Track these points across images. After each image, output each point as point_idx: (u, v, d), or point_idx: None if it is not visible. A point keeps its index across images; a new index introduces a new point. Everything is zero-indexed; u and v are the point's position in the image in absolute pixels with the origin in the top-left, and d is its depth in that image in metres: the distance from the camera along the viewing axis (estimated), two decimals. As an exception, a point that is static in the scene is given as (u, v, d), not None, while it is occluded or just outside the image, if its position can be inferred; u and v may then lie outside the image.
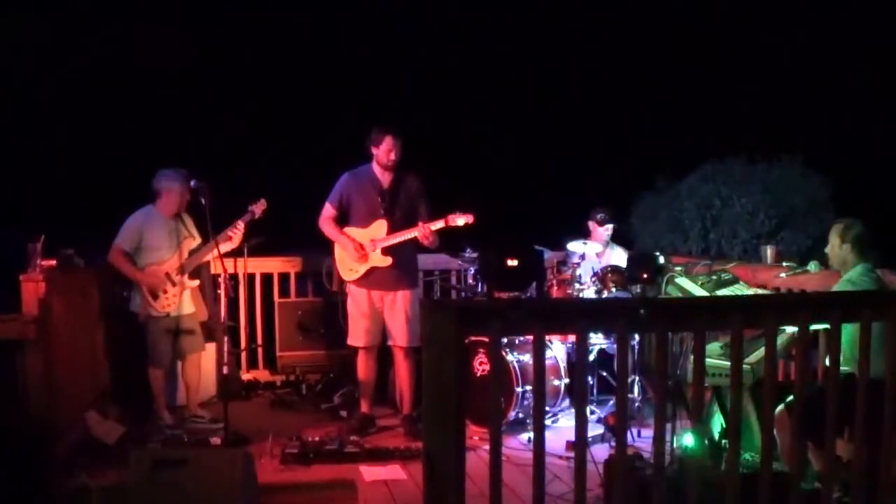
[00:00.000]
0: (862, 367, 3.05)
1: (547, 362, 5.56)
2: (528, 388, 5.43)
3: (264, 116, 10.94)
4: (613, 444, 4.95)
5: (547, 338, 5.06)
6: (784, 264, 5.59)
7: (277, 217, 5.91)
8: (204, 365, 5.99)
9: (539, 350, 2.82)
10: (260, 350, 7.01)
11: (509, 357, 5.49)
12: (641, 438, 5.24)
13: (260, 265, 6.94)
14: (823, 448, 3.15)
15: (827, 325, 3.12)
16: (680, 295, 4.57)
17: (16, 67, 9.00)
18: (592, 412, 5.50)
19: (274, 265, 7.01)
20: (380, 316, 5.57)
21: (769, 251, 6.21)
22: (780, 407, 3.89)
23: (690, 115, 10.46)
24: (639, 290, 5.70)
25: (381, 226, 5.47)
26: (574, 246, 6.14)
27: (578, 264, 6.00)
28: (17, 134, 8.86)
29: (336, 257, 5.66)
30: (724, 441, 4.00)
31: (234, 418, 5.28)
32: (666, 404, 2.96)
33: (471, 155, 10.87)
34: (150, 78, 10.23)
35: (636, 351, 5.80)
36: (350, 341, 5.68)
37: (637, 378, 5.78)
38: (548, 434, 2.96)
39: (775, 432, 3.66)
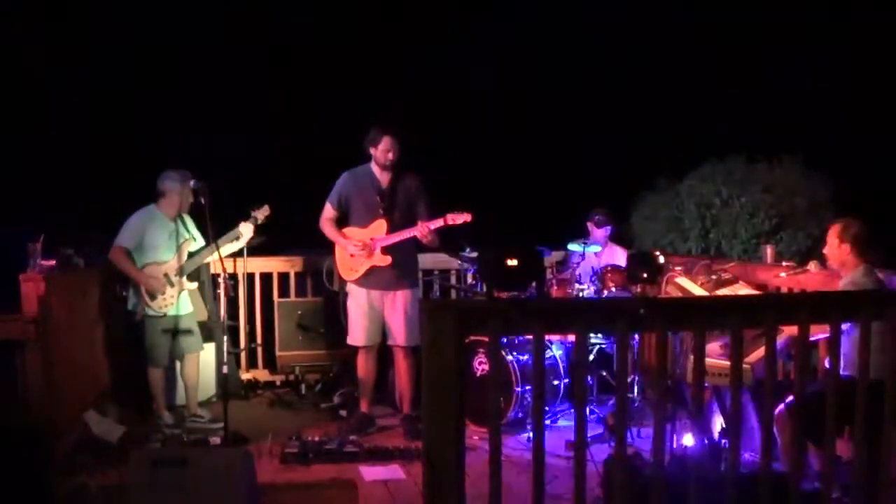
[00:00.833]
0: (862, 368, 3.05)
1: (546, 362, 5.56)
2: (528, 387, 5.42)
3: (264, 116, 10.93)
4: (613, 444, 4.95)
5: (547, 338, 5.05)
6: (784, 264, 5.59)
7: (277, 217, 5.91)
8: (203, 365, 5.99)
9: (539, 350, 2.82)
10: (259, 350, 7.01)
11: (509, 357, 5.49)
12: (641, 438, 5.24)
13: (260, 265, 6.94)
14: (823, 448, 3.15)
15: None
16: (680, 294, 4.57)
17: (16, 67, 9.00)
18: (592, 412, 5.49)
19: (274, 265, 7.01)
20: (379, 315, 5.57)
21: (769, 251, 6.21)
22: (780, 407, 3.90)
23: (690, 115, 10.46)
24: (639, 290, 5.70)
25: (380, 225, 5.48)
26: (574, 246, 6.14)
27: (578, 264, 6.00)
28: (17, 134, 8.86)
29: (336, 257, 5.67)
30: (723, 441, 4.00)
31: (234, 418, 5.28)
32: (666, 404, 2.96)
33: (471, 155, 10.86)
34: (151, 78, 10.23)
35: (636, 351, 5.79)
36: (350, 340, 5.69)
37: (637, 378, 5.78)
38: (548, 434, 2.96)
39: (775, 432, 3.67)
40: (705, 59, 10.73)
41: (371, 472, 4.75)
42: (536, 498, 2.76)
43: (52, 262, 5.10)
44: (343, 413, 5.99)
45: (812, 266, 5.04)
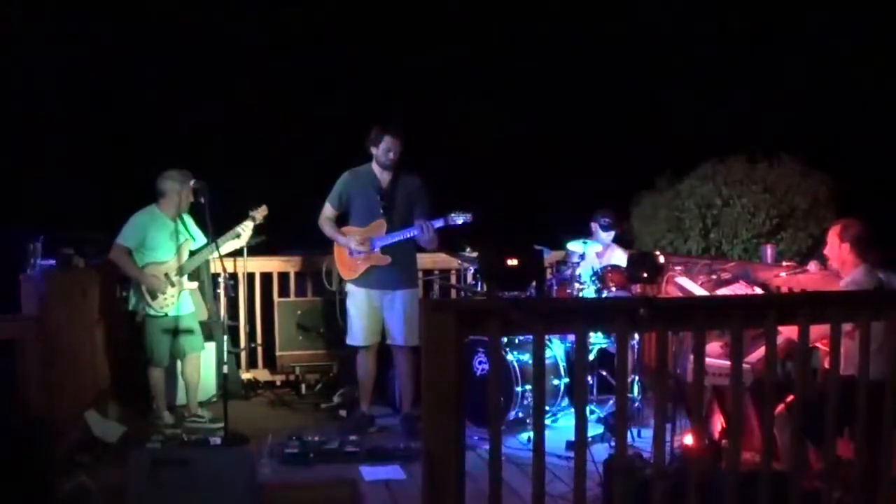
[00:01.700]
0: (862, 367, 3.05)
1: (546, 362, 5.56)
2: (528, 387, 5.42)
3: (265, 116, 10.93)
4: (613, 444, 4.95)
5: (546, 337, 5.05)
6: (784, 264, 5.59)
7: (277, 217, 5.91)
8: (204, 365, 5.99)
9: (539, 350, 2.82)
10: (259, 349, 7.00)
11: (509, 357, 5.48)
12: (641, 438, 5.24)
13: (260, 265, 6.94)
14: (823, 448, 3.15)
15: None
16: (680, 294, 4.57)
17: (17, 66, 9.00)
18: (592, 412, 5.49)
19: (274, 265, 7.00)
20: (379, 315, 5.57)
21: (769, 251, 6.21)
22: (780, 407, 3.89)
23: (691, 115, 10.46)
24: (639, 290, 5.70)
25: (380, 225, 5.48)
26: (574, 246, 6.14)
27: (578, 264, 6.00)
28: (17, 134, 8.86)
29: (336, 256, 5.67)
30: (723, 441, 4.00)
31: (234, 418, 5.28)
32: (666, 404, 2.96)
33: (471, 155, 10.86)
34: (151, 78, 10.22)
35: (636, 350, 5.79)
36: (349, 341, 5.68)
37: (637, 378, 5.78)
38: (548, 434, 2.96)
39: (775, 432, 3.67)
40: (705, 59, 10.73)
41: (371, 472, 4.75)
42: (536, 498, 2.76)
43: (52, 262, 5.10)
44: (343, 413, 5.99)
45: (812, 266, 5.04)
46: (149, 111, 10.11)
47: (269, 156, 10.57)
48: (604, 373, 5.77)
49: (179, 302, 5.64)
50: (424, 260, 6.57)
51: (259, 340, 6.99)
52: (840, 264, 4.30)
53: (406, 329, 5.50)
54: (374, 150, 5.48)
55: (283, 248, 7.00)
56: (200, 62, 10.45)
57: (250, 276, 6.90)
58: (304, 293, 6.99)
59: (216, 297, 6.46)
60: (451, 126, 10.86)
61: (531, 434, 4.96)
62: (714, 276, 4.99)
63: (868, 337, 3.05)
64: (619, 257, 6.47)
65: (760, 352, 4.07)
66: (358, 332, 5.59)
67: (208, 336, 6.14)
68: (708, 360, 3.73)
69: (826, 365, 4.17)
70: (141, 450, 4.55)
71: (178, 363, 5.78)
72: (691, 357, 3.07)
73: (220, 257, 5.36)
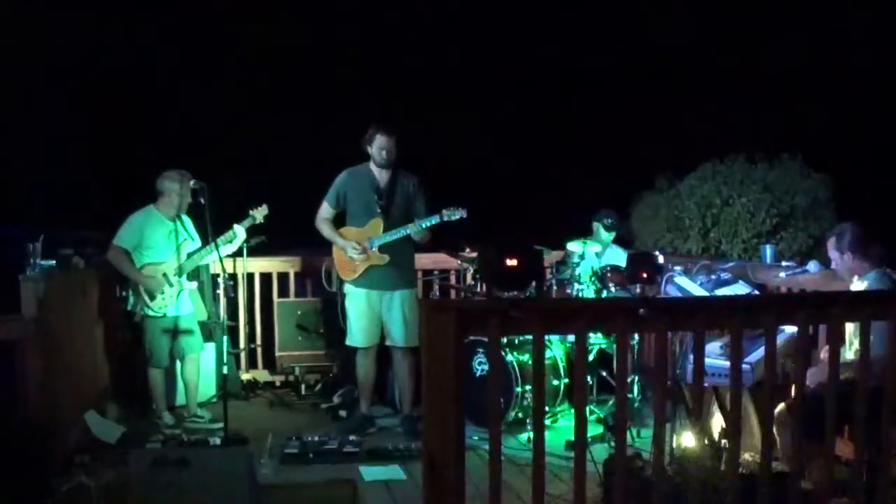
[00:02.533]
0: (862, 367, 3.05)
1: (546, 362, 5.56)
2: (528, 387, 5.42)
3: (265, 116, 10.93)
4: (613, 444, 4.95)
5: (546, 337, 5.05)
6: (784, 264, 5.59)
7: (277, 217, 5.91)
8: (203, 365, 5.99)
9: (539, 350, 2.82)
10: (259, 350, 7.00)
11: (509, 357, 5.48)
12: (641, 438, 5.24)
13: (259, 265, 6.93)
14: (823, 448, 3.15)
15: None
16: (680, 294, 4.57)
17: (17, 66, 9.00)
18: (592, 412, 5.49)
19: (273, 265, 7.00)
20: (378, 316, 5.57)
21: (769, 251, 6.21)
22: (781, 406, 3.89)
23: (691, 115, 10.47)
24: (639, 290, 5.69)
25: (377, 224, 5.48)
26: (574, 246, 6.13)
27: (578, 264, 6.00)
28: (17, 134, 8.87)
29: (335, 257, 5.67)
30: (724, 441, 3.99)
31: (234, 418, 5.28)
32: (666, 404, 2.96)
33: (471, 154, 10.86)
34: (152, 78, 10.23)
35: (636, 351, 5.79)
36: (348, 341, 5.68)
37: (636, 378, 5.78)
38: (548, 434, 2.96)
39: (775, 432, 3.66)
40: (705, 60, 10.73)
41: (371, 472, 4.75)
42: (536, 498, 2.75)
43: (52, 262, 5.10)
44: (343, 413, 5.99)
45: (812, 266, 5.04)
46: (149, 111, 10.11)
47: (270, 156, 10.57)
48: (604, 373, 5.77)
49: (179, 302, 5.63)
50: (424, 260, 6.56)
51: (259, 341, 6.99)
52: (851, 273, 4.27)
53: (405, 330, 5.49)
54: (369, 149, 5.50)
55: (283, 249, 6.99)
56: (201, 62, 10.46)
57: (250, 277, 6.90)
58: (303, 293, 6.98)
59: (216, 297, 6.46)
60: (452, 127, 10.87)
61: (531, 434, 4.96)
62: (714, 276, 4.98)
63: (868, 336, 3.05)
64: (619, 257, 6.47)
65: (760, 352, 4.07)
66: (357, 332, 5.59)
67: (208, 336, 6.14)
68: (708, 360, 3.72)
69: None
70: (141, 450, 4.55)
71: (178, 363, 5.78)
72: (691, 357, 3.07)
73: (220, 259, 5.35)
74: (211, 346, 6.18)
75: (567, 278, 5.94)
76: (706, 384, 3.81)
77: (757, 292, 5.12)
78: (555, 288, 6.12)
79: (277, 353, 6.75)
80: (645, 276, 5.53)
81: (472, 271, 6.34)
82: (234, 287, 6.15)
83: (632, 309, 2.84)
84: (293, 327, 6.71)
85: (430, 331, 2.65)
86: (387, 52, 11.22)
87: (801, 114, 9.99)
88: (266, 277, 7.01)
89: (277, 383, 6.90)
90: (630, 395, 5.61)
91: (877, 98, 9.73)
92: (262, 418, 6.03)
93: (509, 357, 5.48)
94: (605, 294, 5.68)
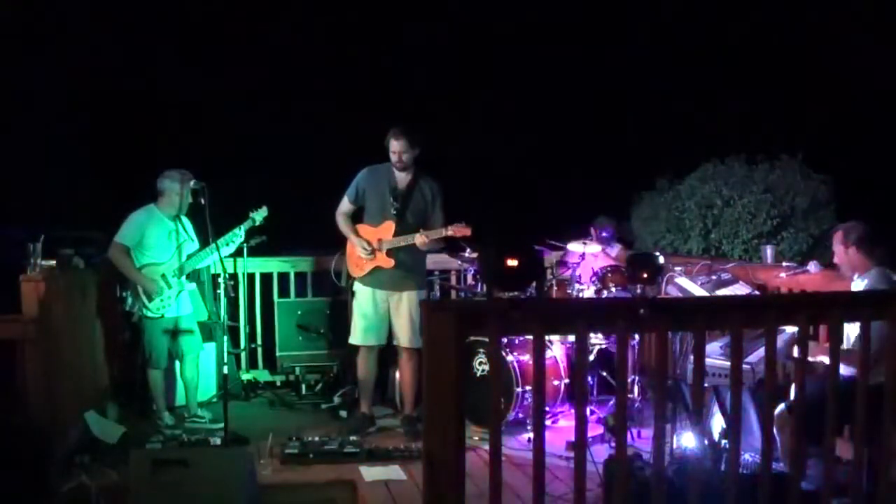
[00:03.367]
0: (862, 368, 3.05)
1: (546, 362, 5.56)
2: (528, 388, 5.42)
3: (266, 116, 10.93)
4: (613, 444, 4.95)
5: (547, 338, 5.05)
6: (784, 264, 5.59)
7: (278, 217, 5.91)
8: (204, 365, 5.99)
9: (539, 350, 2.82)
10: (259, 350, 7.00)
11: (509, 357, 5.48)
12: (641, 438, 5.24)
13: (260, 265, 6.93)
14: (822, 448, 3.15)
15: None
16: (680, 295, 4.57)
17: (17, 66, 9.00)
18: (592, 412, 5.49)
19: (274, 265, 7.00)
20: (385, 316, 5.57)
21: (769, 251, 6.21)
22: (781, 407, 3.89)
23: (691, 115, 10.47)
24: (639, 290, 5.70)
25: (389, 227, 5.47)
26: (574, 246, 6.14)
27: (578, 264, 6.00)
28: (17, 134, 8.87)
29: (347, 252, 5.68)
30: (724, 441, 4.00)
31: (234, 418, 5.27)
32: (666, 404, 2.96)
33: (472, 155, 10.86)
34: (151, 77, 10.23)
35: (636, 351, 5.79)
36: (351, 339, 5.68)
37: (637, 378, 5.78)
38: (548, 434, 2.96)
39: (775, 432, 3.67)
40: (706, 60, 10.73)
41: (371, 473, 4.75)
42: (536, 498, 2.76)
43: (52, 262, 5.10)
44: (343, 413, 5.99)
45: (812, 266, 5.04)
46: (149, 111, 10.11)
47: (270, 156, 10.57)
48: (604, 373, 5.78)
49: (178, 302, 5.63)
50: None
51: (259, 341, 6.99)
52: (852, 268, 4.28)
53: (411, 331, 5.49)
54: (388, 150, 5.50)
55: (284, 249, 7.00)
56: (201, 62, 10.46)
57: (250, 277, 6.90)
58: (304, 293, 6.98)
59: (216, 297, 6.46)
60: (452, 126, 10.87)
61: (531, 434, 4.97)
62: (714, 277, 4.99)
63: (868, 336, 3.05)
64: (618, 254, 6.48)
65: (760, 352, 4.07)
66: (359, 331, 5.59)
67: (208, 336, 6.14)
68: (708, 360, 3.72)
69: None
70: (141, 450, 4.55)
71: (178, 364, 5.78)
72: (691, 358, 3.07)
73: (221, 259, 5.35)
74: (211, 346, 6.18)
75: (567, 278, 5.94)
76: (706, 384, 3.82)
77: (757, 293, 5.12)
78: (555, 288, 6.13)
79: (278, 353, 6.75)
80: (645, 276, 5.53)
81: (472, 272, 6.34)
82: (235, 287, 6.15)
83: (632, 309, 2.84)
84: (293, 327, 6.71)
85: (430, 331, 2.65)
86: (387, 52, 11.22)
87: (801, 114, 9.99)
88: (266, 277, 7.01)
89: (278, 383, 6.90)
90: (630, 396, 5.61)
91: (877, 98, 9.72)
92: (262, 418, 6.03)
93: (509, 357, 5.48)
94: (605, 294, 5.68)
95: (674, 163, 8.57)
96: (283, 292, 6.98)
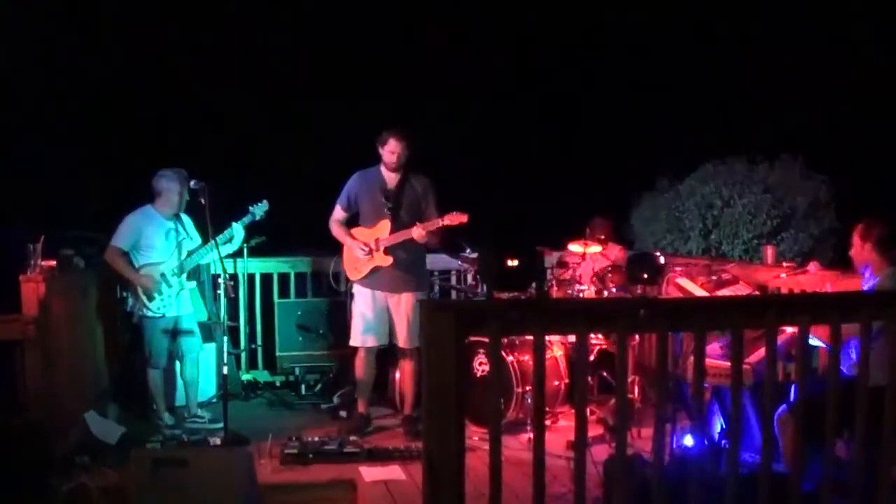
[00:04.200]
0: (862, 368, 3.05)
1: (547, 362, 5.55)
2: (528, 388, 5.41)
3: (266, 116, 10.93)
4: (613, 444, 4.94)
5: (547, 338, 5.05)
6: (784, 265, 5.59)
7: (278, 217, 5.91)
8: (203, 365, 5.99)
9: (539, 350, 2.82)
10: (259, 350, 7.00)
11: (509, 357, 5.48)
12: (641, 439, 5.23)
13: (260, 265, 6.94)
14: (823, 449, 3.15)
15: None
16: (680, 295, 4.57)
17: (17, 66, 9.00)
18: (592, 412, 5.49)
19: (274, 265, 7.00)
20: (385, 316, 5.57)
21: (770, 251, 6.21)
22: (782, 408, 3.89)
23: (691, 116, 10.47)
24: (639, 291, 5.70)
25: (385, 226, 5.48)
26: (574, 246, 6.14)
27: (578, 264, 6.00)
28: (17, 133, 8.86)
29: (343, 257, 5.68)
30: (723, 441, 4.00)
31: (234, 418, 5.27)
32: (666, 404, 2.96)
33: (472, 155, 10.86)
34: (151, 77, 10.22)
35: (636, 351, 5.79)
36: (351, 342, 5.68)
37: (637, 378, 5.78)
38: (548, 434, 2.96)
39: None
40: (706, 60, 10.73)
41: (371, 473, 4.74)
42: (536, 498, 2.75)
43: (52, 263, 5.09)
44: (343, 413, 5.99)
45: (812, 267, 5.04)
46: (149, 111, 10.11)
47: (270, 156, 10.57)
48: (604, 373, 5.78)
49: (178, 302, 5.63)
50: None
51: (259, 341, 6.99)
52: (864, 264, 4.27)
53: (411, 332, 5.49)
54: (381, 151, 5.51)
55: (284, 249, 7.00)
56: (201, 62, 10.46)
57: (250, 277, 6.90)
58: (304, 293, 6.98)
59: (216, 297, 6.46)
60: (452, 127, 10.87)
61: (531, 434, 4.96)
62: (714, 277, 4.99)
63: (868, 337, 3.05)
64: (617, 253, 6.48)
65: (760, 352, 4.07)
66: (358, 332, 5.59)
67: (208, 337, 6.14)
68: (708, 360, 3.72)
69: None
70: (141, 450, 4.55)
71: (178, 364, 5.78)
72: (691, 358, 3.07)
73: (221, 258, 5.35)
74: (211, 346, 6.18)
75: (567, 278, 5.94)
76: (706, 384, 3.82)
77: (757, 293, 5.12)
78: (555, 288, 6.13)
79: (277, 354, 6.75)
80: (645, 276, 5.53)
81: (472, 272, 6.33)
82: (235, 287, 6.15)
83: (632, 309, 2.84)
84: (293, 327, 6.71)
85: (430, 331, 2.65)
86: (386, 52, 11.22)
87: (801, 114, 9.98)
88: (267, 278, 7.01)
89: (277, 383, 6.90)
90: (630, 396, 5.60)
91: (877, 98, 9.72)
92: (262, 418, 6.03)
93: (509, 357, 5.48)
94: (605, 294, 5.68)
95: (674, 163, 8.57)
96: (283, 293, 6.99)
